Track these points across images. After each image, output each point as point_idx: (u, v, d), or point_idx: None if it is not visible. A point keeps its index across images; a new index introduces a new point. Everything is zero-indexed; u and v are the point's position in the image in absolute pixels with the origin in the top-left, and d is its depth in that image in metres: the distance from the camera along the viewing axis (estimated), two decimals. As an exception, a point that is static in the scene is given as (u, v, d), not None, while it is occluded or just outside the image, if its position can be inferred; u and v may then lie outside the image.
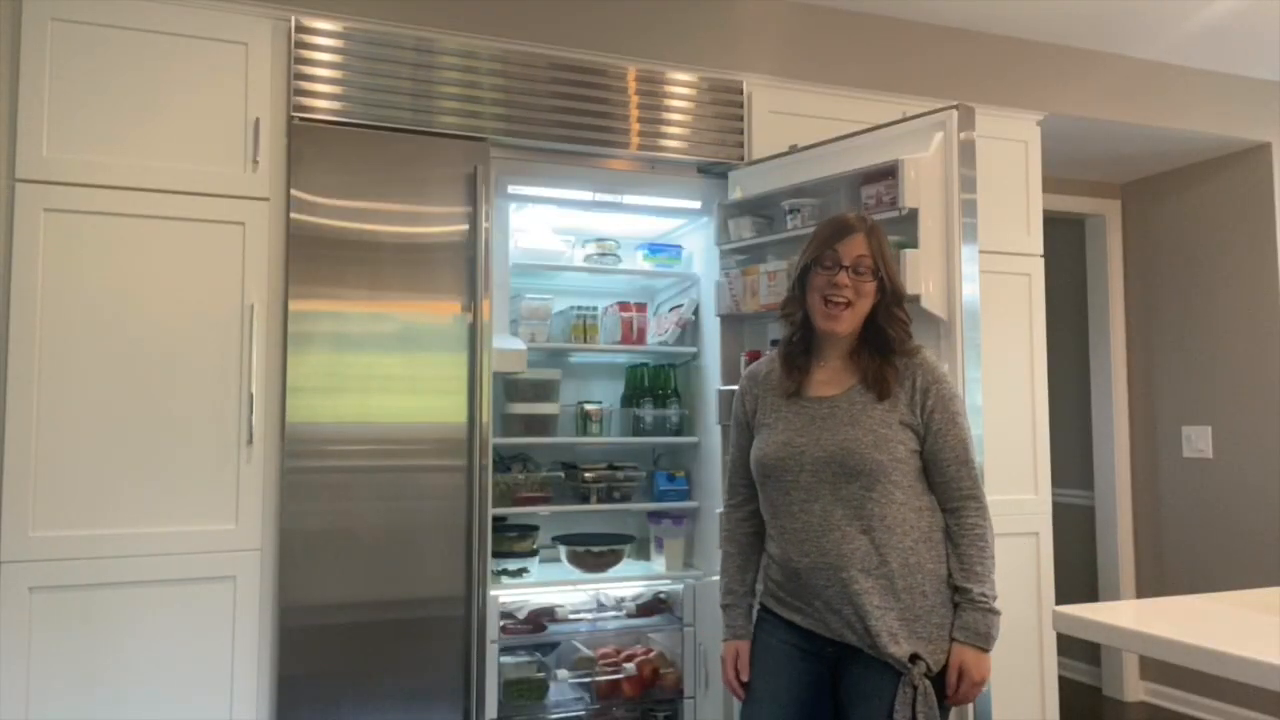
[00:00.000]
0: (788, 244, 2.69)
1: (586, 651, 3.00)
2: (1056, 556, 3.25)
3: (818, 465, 1.76)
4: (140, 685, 2.29)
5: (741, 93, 2.97)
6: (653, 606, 3.05)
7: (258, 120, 2.46)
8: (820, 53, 3.12)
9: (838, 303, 1.79)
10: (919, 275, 2.22)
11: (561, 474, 3.11)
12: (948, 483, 1.78)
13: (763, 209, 2.80)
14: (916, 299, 2.22)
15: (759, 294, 2.70)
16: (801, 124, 2.92)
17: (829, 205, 2.62)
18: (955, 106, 2.29)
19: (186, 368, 2.37)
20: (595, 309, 3.17)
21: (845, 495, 1.74)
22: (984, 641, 1.72)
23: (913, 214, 2.27)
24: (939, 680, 1.71)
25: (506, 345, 2.75)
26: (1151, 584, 4.22)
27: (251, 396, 2.40)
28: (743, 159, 2.92)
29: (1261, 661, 1.29)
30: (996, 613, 1.73)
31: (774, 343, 2.71)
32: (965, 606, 1.72)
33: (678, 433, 3.13)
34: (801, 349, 1.88)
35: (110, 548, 2.28)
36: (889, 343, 1.81)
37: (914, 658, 1.69)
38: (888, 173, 2.35)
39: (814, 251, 1.83)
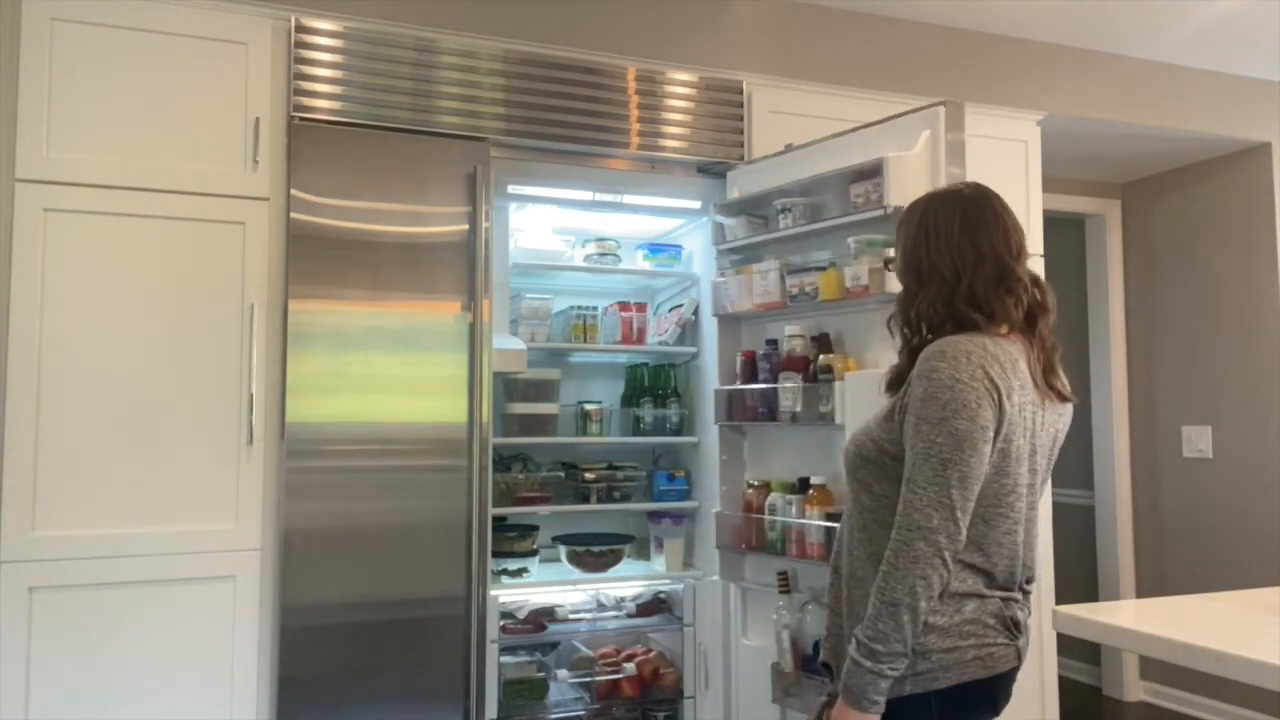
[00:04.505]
0: (781, 244, 2.68)
1: (586, 651, 3.00)
2: (1056, 556, 3.25)
3: None
4: (140, 685, 2.29)
5: (741, 93, 2.97)
6: (653, 606, 3.05)
7: (258, 120, 2.46)
8: (821, 52, 3.12)
9: None
10: None
11: (561, 474, 3.11)
12: None
13: (758, 209, 2.79)
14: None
15: (753, 294, 2.69)
16: (802, 124, 2.92)
17: (821, 204, 2.60)
18: (943, 103, 2.26)
19: (186, 367, 2.37)
20: (595, 309, 3.17)
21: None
22: (841, 688, 1.47)
23: (897, 212, 2.23)
24: None
25: (506, 345, 2.75)
26: (1151, 584, 4.23)
27: (251, 396, 2.40)
28: (743, 159, 2.92)
29: (1261, 661, 1.29)
30: (854, 660, 1.44)
31: (769, 342, 2.70)
32: None
33: (678, 433, 3.13)
34: None
35: (110, 548, 2.28)
36: (914, 331, 1.64)
37: (827, 668, 1.62)
38: (875, 171, 2.32)
39: None
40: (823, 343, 2.53)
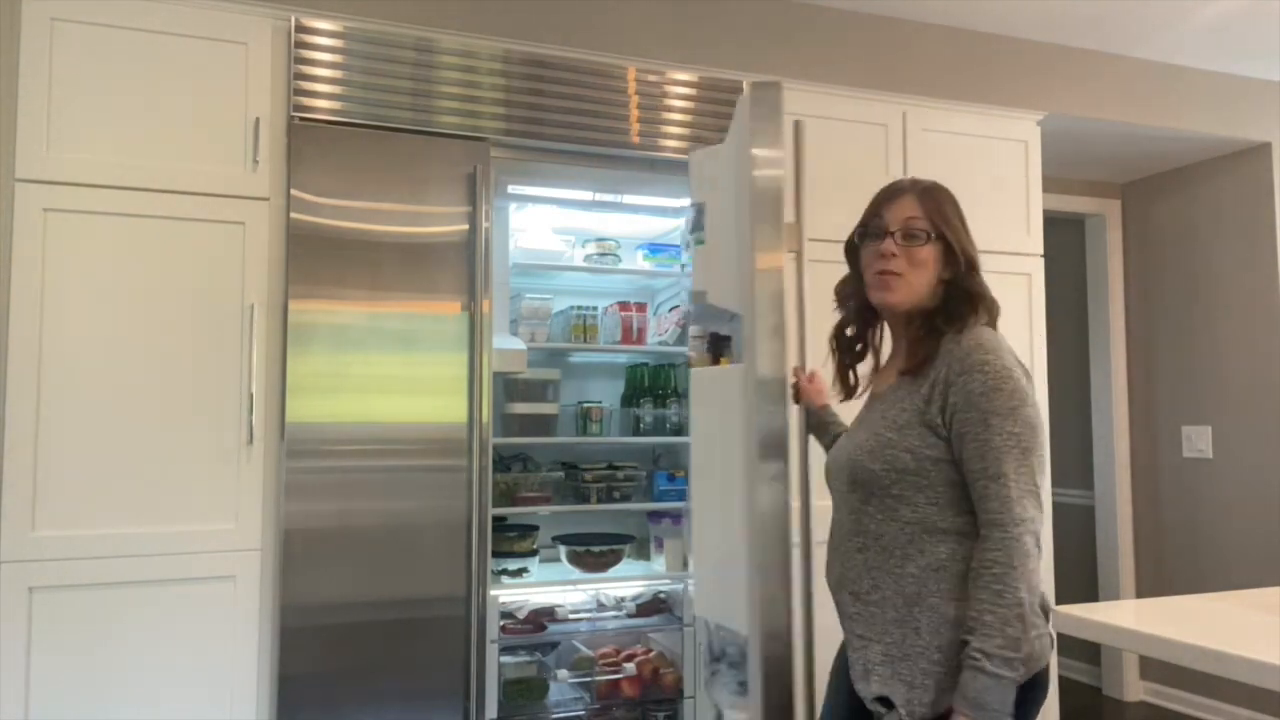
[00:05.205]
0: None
1: (586, 651, 2.99)
2: (1056, 556, 3.25)
3: (837, 473, 1.64)
4: (140, 685, 2.29)
5: (741, 92, 2.97)
6: (653, 606, 3.05)
7: (258, 120, 2.46)
8: (819, 52, 3.12)
9: (886, 273, 1.58)
10: (704, 272, 2.07)
11: (561, 474, 3.11)
12: (977, 502, 1.45)
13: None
14: (704, 295, 2.08)
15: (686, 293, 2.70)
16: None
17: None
18: (753, 85, 1.94)
19: (186, 367, 2.37)
20: (595, 309, 3.17)
21: (851, 507, 1.59)
22: (970, 708, 1.37)
23: (699, 208, 2.12)
24: None
25: (506, 345, 2.75)
26: (1151, 584, 4.23)
27: (251, 396, 2.40)
28: (742, 159, 2.91)
29: (1261, 661, 1.29)
30: (991, 675, 1.36)
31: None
32: (963, 663, 1.40)
33: (678, 432, 3.12)
34: (855, 341, 1.71)
35: (110, 548, 2.28)
36: (951, 319, 1.54)
37: (883, 701, 1.49)
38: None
39: (862, 221, 1.64)
40: (715, 340, 2.49)
